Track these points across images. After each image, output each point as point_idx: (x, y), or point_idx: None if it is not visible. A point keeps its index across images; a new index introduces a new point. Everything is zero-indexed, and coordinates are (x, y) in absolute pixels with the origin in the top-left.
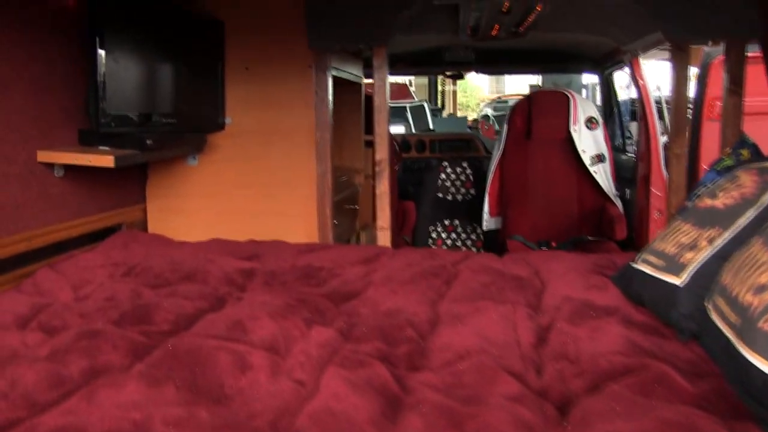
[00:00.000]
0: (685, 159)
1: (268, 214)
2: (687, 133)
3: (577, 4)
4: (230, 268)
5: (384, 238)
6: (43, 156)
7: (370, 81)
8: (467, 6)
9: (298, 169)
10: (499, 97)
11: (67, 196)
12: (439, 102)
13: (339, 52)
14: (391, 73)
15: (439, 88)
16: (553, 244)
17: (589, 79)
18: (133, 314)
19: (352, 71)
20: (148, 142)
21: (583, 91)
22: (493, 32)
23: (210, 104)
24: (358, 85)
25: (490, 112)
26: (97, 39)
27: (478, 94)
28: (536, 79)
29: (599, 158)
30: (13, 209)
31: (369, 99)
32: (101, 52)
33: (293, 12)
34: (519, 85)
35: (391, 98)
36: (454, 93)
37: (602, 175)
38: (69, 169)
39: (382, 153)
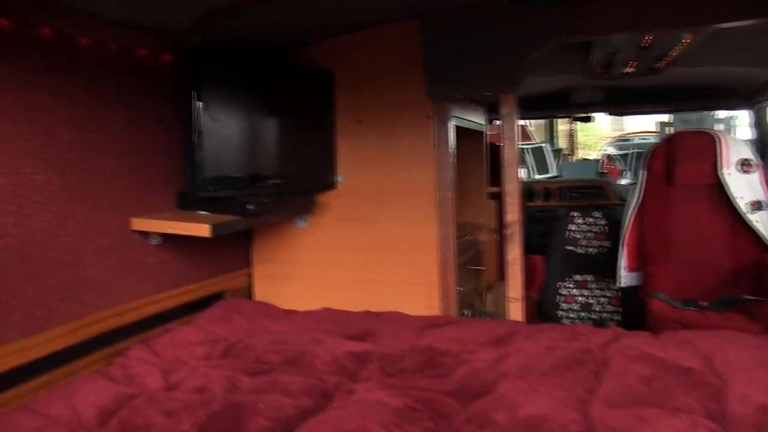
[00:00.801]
0: None
1: (385, 283)
2: None
3: (726, 35)
4: (340, 351)
5: (516, 311)
6: (137, 224)
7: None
8: (602, 42)
9: (417, 233)
10: (622, 135)
11: (164, 265)
12: (560, 142)
13: (461, 100)
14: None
15: (559, 127)
16: (703, 303)
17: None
18: (224, 416)
19: (474, 119)
20: (250, 207)
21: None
22: (627, 69)
23: (319, 161)
24: (481, 133)
25: (612, 151)
26: (194, 96)
27: (598, 132)
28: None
29: (758, 205)
30: (103, 282)
31: (492, 147)
32: (198, 110)
33: (409, 59)
34: (642, 122)
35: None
36: (574, 132)
37: (763, 224)
38: (167, 235)
39: (513, 214)
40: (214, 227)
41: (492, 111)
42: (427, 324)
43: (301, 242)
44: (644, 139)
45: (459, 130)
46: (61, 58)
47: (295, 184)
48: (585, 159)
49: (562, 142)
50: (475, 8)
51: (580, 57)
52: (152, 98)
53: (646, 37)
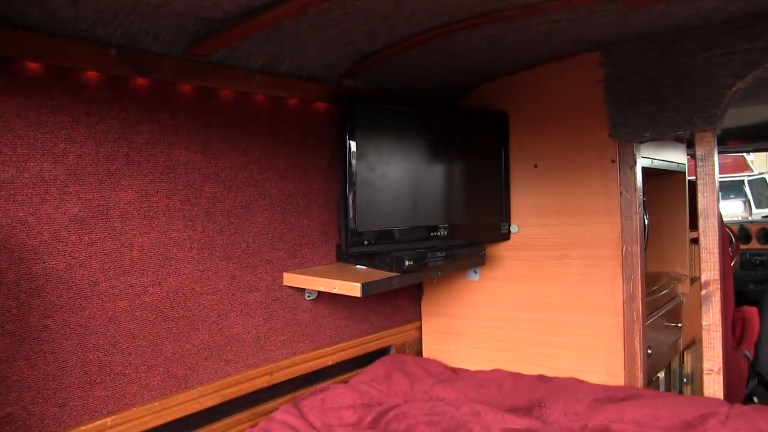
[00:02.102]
0: None
1: (561, 345)
2: None
3: None
4: (498, 430)
5: (713, 386)
6: (289, 279)
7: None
8: None
9: (599, 291)
10: None
11: (320, 321)
12: None
13: (649, 140)
14: (720, 152)
15: None
16: None
17: None
18: None
19: (670, 158)
20: (407, 263)
21: None
22: None
23: (491, 210)
24: (680, 173)
25: None
26: (348, 144)
27: None
28: None
29: None
30: (251, 340)
31: (692, 186)
32: (353, 160)
33: (589, 96)
34: None
35: (724, 171)
36: None
37: None
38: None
39: (710, 272)
40: (365, 287)
41: (691, 146)
42: (606, 397)
43: (472, 296)
44: None
45: (653, 171)
46: (203, 113)
47: (462, 236)
48: None
49: None
50: (660, 36)
51: None
52: (306, 148)
53: None
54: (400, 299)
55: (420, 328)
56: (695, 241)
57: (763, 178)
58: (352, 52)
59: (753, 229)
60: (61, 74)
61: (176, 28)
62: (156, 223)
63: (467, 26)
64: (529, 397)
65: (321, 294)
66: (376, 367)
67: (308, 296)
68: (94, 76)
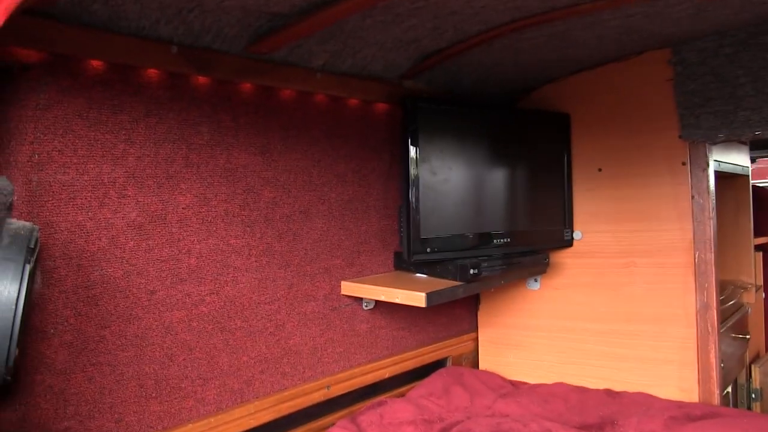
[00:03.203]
0: None
1: (629, 358)
2: None
3: None
4: None
5: None
6: (347, 288)
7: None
8: None
9: (670, 301)
10: None
11: (378, 332)
12: None
13: (723, 141)
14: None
15: None
16: None
17: None
18: None
19: (735, 160)
20: (472, 271)
21: None
22: None
23: (553, 216)
24: (744, 177)
25: None
26: (411, 147)
27: None
28: None
29: None
30: (308, 352)
31: (756, 191)
32: (415, 163)
33: (657, 95)
34: None
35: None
36: None
37: None
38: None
39: None
40: (430, 297)
41: (756, 148)
42: (682, 414)
43: (532, 306)
44: None
45: (719, 174)
46: (263, 114)
47: (524, 243)
48: None
49: None
50: (736, 31)
51: None
52: (366, 151)
53: None
54: (457, 309)
55: (476, 339)
56: (760, 248)
57: None
58: (415, 50)
59: None
60: (123, 73)
61: (239, 24)
62: (214, 228)
63: (536, 22)
64: (599, 413)
65: (378, 303)
66: (434, 380)
67: (366, 306)
68: (155, 75)
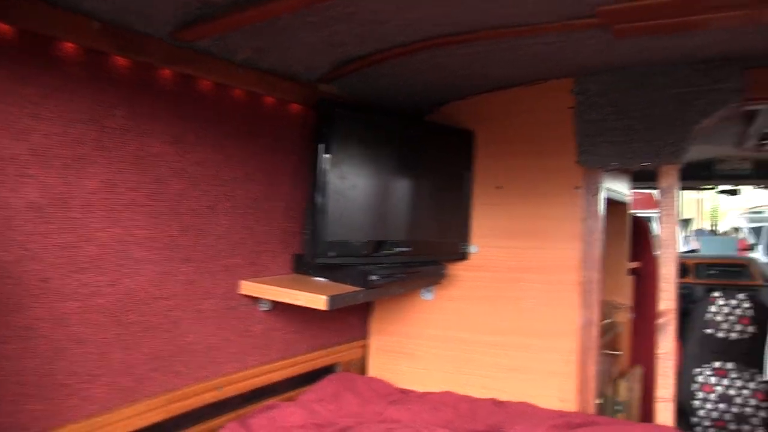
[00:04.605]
0: None
1: (516, 369)
2: None
3: None
4: None
5: (666, 413)
6: (247, 288)
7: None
8: None
9: (557, 316)
10: (753, 207)
11: (272, 334)
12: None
13: (613, 170)
14: (643, 187)
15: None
16: None
17: None
18: None
19: (619, 189)
20: (373, 278)
21: None
22: None
23: (452, 229)
24: (624, 204)
25: (743, 223)
26: (322, 150)
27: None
28: None
29: None
30: (203, 351)
31: (634, 219)
32: (325, 168)
33: (559, 121)
34: None
35: (636, 207)
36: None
37: None
38: (277, 302)
39: (669, 301)
40: (332, 300)
41: (637, 179)
42: (564, 423)
43: (425, 316)
44: None
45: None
46: (180, 103)
47: (424, 253)
48: (715, 232)
49: (688, 212)
50: (635, 69)
51: (737, 127)
52: (277, 150)
53: None
54: (350, 316)
55: (366, 346)
56: (633, 271)
57: None
58: (338, 55)
59: None
60: (35, 42)
61: (168, 8)
62: (119, 217)
63: (462, 40)
64: (487, 422)
65: (274, 305)
66: (325, 386)
67: (262, 307)
68: (72, 49)
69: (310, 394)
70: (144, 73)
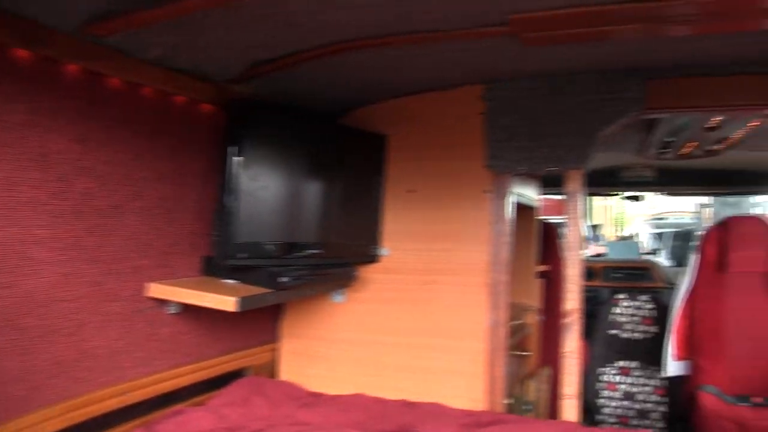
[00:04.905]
0: None
1: (426, 370)
2: None
3: None
4: None
5: (571, 410)
6: (155, 290)
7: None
8: (669, 121)
9: (466, 317)
10: (657, 214)
11: (180, 338)
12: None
13: (522, 174)
14: (552, 193)
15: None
16: (757, 399)
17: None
18: None
19: (528, 193)
20: (283, 279)
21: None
22: (685, 150)
23: (363, 232)
24: (533, 209)
25: (647, 229)
26: (233, 151)
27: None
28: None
29: None
30: (108, 356)
31: (543, 225)
32: (237, 168)
33: (470, 127)
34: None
35: (547, 213)
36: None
37: None
38: (186, 304)
39: (574, 301)
40: (242, 301)
41: (547, 185)
42: (473, 422)
43: (336, 318)
44: (680, 218)
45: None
46: (88, 100)
47: (335, 255)
48: (623, 237)
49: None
50: (543, 77)
51: (639, 135)
52: (187, 151)
53: (715, 119)
54: (260, 319)
55: (277, 350)
56: (542, 275)
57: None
58: (252, 56)
59: None
60: None
61: (77, 0)
62: (18, 216)
63: (374, 44)
64: (398, 422)
65: (183, 308)
66: (234, 390)
67: (171, 310)
68: None
69: (219, 398)
70: (48, 68)
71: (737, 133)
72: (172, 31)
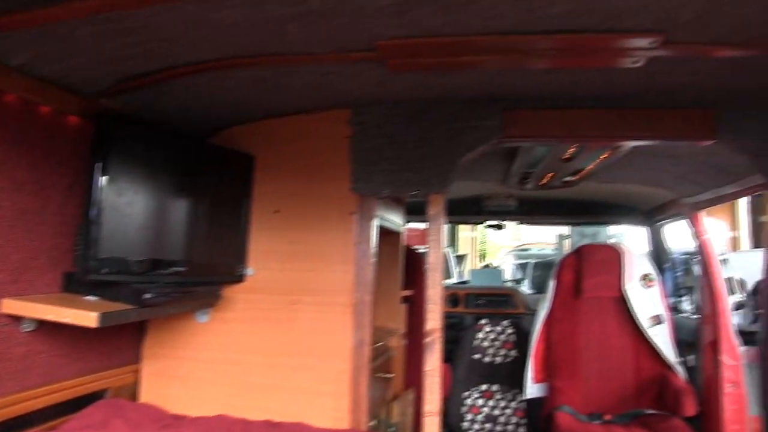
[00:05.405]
0: None
1: (290, 390)
2: None
3: (637, 155)
4: None
5: (432, 427)
6: (9, 306)
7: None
8: (527, 152)
9: (330, 337)
10: (521, 245)
11: (35, 357)
12: (462, 248)
13: (385, 198)
14: (418, 221)
15: (460, 234)
16: (608, 417)
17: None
18: None
19: (394, 219)
20: (147, 296)
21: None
22: (544, 181)
23: (229, 251)
24: (398, 234)
25: (512, 260)
26: (99, 166)
27: (496, 240)
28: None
29: (657, 320)
30: None
31: (405, 250)
32: (102, 183)
33: (336, 149)
34: (537, 233)
35: (414, 243)
36: (475, 239)
37: (661, 338)
38: (43, 321)
39: (435, 321)
40: (103, 316)
41: (411, 212)
42: None
43: (200, 338)
44: (542, 249)
45: (380, 228)
46: None
47: (200, 273)
48: (487, 265)
49: (463, 249)
50: (409, 103)
51: (501, 165)
52: (50, 162)
53: (570, 150)
54: (122, 339)
55: (139, 371)
56: (406, 299)
57: (444, 252)
58: (122, 69)
59: (445, 294)
60: None
61: None
62: None
63: (241, 64)
64: None
65: (40, 326)
66: (91, 413)
67: (25, 327)
68: None
69: (74, 422)
70: None
71: (590, 165)
72: (37, 39)
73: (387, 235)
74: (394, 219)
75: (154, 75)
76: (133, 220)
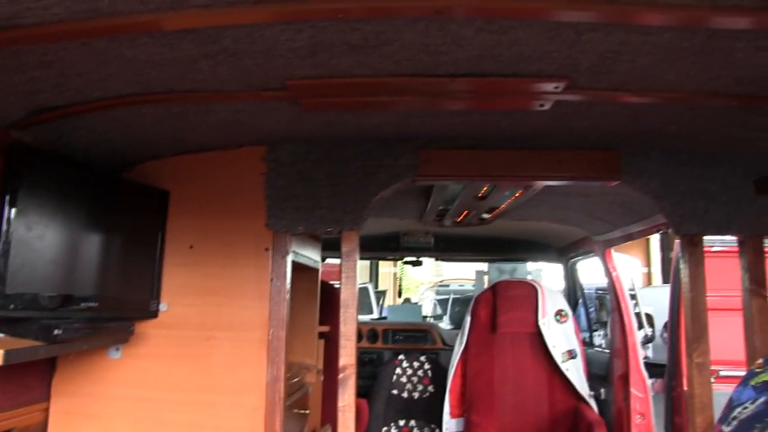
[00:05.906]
0: (708, 370)
1: (204, 427)
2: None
3: (550, 194)
4: None
5: None
6: None
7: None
8: (443, 190)
9: (245, 373)
10: (441, 281)
11: None
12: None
13: (301, 234)
14: (334, 257)
15: (381, 269)
16: None
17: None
18: None
19: (310, 255)
20: (57, 332)
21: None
22: (460, 218)
23: (143, 286)
24: (315, 270)
25: (432, 296)
26: (8, 199)
27: (417, 276)
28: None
29: (570, 354)
30: None
31: (323, 287)
32: (10, 216)
33: (251, 185)
34: (458, 269)
35: (332, 278)
36: (397, 275)
37: (574, 372)
38: None
39: (348, 357)
40: (8, 354)
41: (327, 248)
42: None
43: (112, 375)
44: (462, 285)
45: (295, 265)
46: None
47: (112, 309)
48: (407, 300)
49: (384, 284)
50: (324, 141)
51: (418, 203)
52: None
53: (483, 188)
54: (30, 377)
55: (47, 410)
56: (323, 335)
57: (366, 288)
58: (33, 102)
59: (363, 330)
60: None
61: None
62: None
63: (155, 100)
64: None
65: None
66: None
67: None
68: None
69: None
70: None
71: (504, 203)
72: None
73: (303, 270)
74: (311, 255)
75: (66, 108)
76: (44, 255)
